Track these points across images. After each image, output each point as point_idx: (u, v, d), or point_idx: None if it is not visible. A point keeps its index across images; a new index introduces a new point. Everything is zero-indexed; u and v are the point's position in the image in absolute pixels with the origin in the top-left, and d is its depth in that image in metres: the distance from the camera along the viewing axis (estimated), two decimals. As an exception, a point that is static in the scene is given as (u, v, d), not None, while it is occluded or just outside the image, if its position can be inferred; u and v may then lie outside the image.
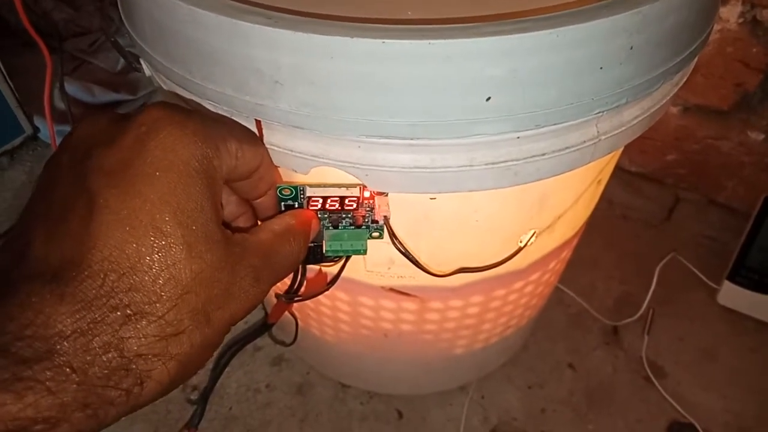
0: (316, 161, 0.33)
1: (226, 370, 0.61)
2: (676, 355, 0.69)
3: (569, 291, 0.74)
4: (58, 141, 0.66)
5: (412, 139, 0.31)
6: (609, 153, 0.36)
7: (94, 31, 1.12)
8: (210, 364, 0.65)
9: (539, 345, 0.70)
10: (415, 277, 0.44)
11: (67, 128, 0.87)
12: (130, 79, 1.03)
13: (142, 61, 0.41)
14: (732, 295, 0.72)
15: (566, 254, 0.54)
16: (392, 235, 0.36)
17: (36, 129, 0.93)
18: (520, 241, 0.42)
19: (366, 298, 0.48)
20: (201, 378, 0.65)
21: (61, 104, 0.92)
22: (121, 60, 1.04)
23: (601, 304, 0.74)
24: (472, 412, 0.63)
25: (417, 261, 0.38)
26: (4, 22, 1.06)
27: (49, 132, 0.62)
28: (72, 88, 0.94)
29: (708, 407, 0.64)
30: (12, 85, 0.87)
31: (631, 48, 0.30)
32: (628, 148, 0.42)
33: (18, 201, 0.87)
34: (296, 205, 0.37)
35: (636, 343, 0.70)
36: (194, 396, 0.63)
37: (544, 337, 0.70)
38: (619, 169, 0.83)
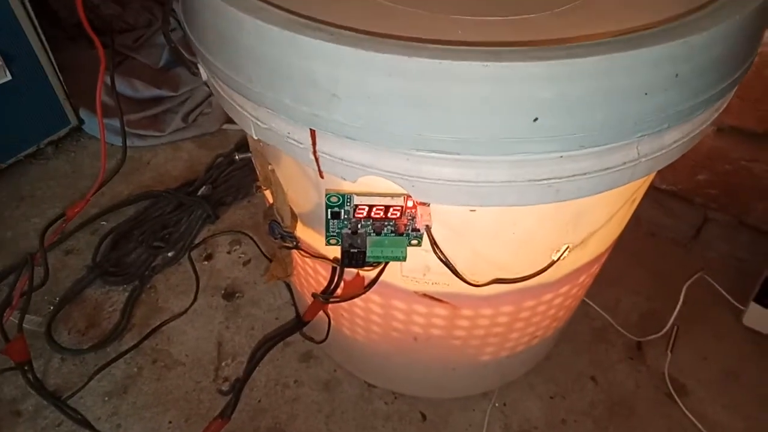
0: (365, 171, 0.35)
1: (256, 363, 0.63)
2: (699, 374, 0.69)
3: (594, 305, 0.75)
4: (106, 134, 0.69)
5: (459, 154, 0.32)
6: (648, 174, 0.37)
7: (138, 28, 1.16)
8: (245, 357, 0.68)
9: (563, 357, 0.70)
10: (449, 285, 0.46)
11: (114, 122, 0.91)
12: (172, 75, 1.06)
13: (199, 66, 0.44)
14: (758, 316, 0.72)
15: (596, 269, 0.55)
16: (433, 244, 0.38)
17: (81, 121, 0.97)
18: (554, 255, 0.44)
19: (399, 302, 0.49)
20: (233, 370, 0.67)
21: (105, 98, 0.96)
22: (164, 56, 1.07)
23: (626, 320, 0.74)
24: (493, 419, 0.64)
25: (455, 269, 0.39)
26: (54, 16, 1.10)
27: (99, 124, 0.64)
28: (116, 82, 0.97)
29: (729, 426, 0.64)
30: (61, 78, 0.90)
31: (677, 75, 0.31)
32: (659, 169, 0.43)
33: (61, 189, 0.91)
34: (343, 212, 0.39)
35: (659, 360, 0.70)
36: (225, 387, 0.66)
37: (568, 350, 0.71)
38: (649, 187, 0.83)
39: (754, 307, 0.72)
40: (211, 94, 1.03)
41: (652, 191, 0.83)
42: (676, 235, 0.85)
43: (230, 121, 1.03)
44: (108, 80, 0.74)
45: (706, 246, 0.83)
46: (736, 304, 0.74)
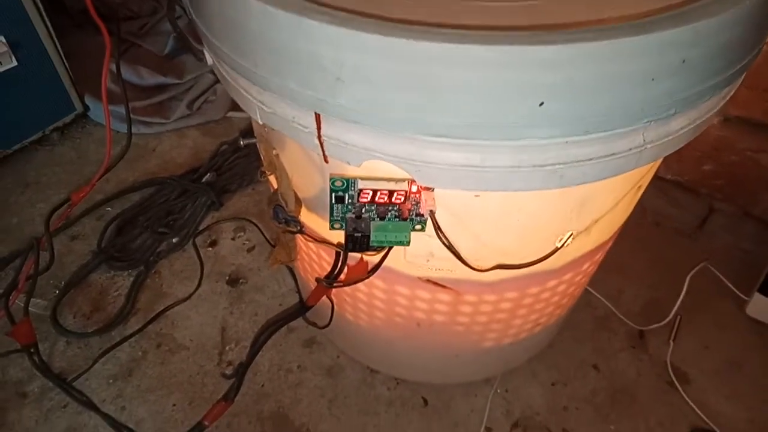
0: (370, 155, 0.35)
1: (260, 348, 0.64)
2: (701, 363, 0.69)
3: (597, 294, 0.75)
4: (111, 121, 0.69)
5: (465, 138, 0.32)
6: (653, 161, 0.37)
7: (143, 16, 1.15)
8: (248, 342, 0.68)
9: (565, 344, 0.71)
10: (452, 270, 0.46)
11: (120, 109, 0.90)
12: (177, 62, 1.06)
13: (205, 51, 0.44)
14: (762, 307, 0.72)
15: (599, 257, 0.55)
16: (437, 228, 0.38)
17: (86, 107, 0.97)
18: (558, 242, 0.44)
19: (402, 287, 0.50)
20: (236, 354, 0.68)
21: (111, 85, 0.96)
22: (169, 44, 1.07)
23: (629, 309, 0.74)
24: (495, 405, 0.65)
25: (459, 254, 0.39)
26: (60, 3, 1.10)
27: (104, 111, 0.65)
28: (121, 70, 0.97)
29: (731, 416, 0.64)
30: (67, 65, 0.90)
31: (684, 61, 0.31)
32: (665, 156, 0.43)
33: (66, 176, 0.91)
34: (347, 197, 0.39)
35: (661, 349, 0.70)
36: (229, 371, 0.66)
37: (571, 337, 0.71)
38: (654, 176, 0.83)
39: (758, 298, 0.72)
40: (216, 82, 1.03)
41: (658, 181, 0.83)
42: (681, 225, 0.84)
43: (235, 108, 1.03)
44: (113, 67, 0.74)
45: (711, 236, 0.83)
46: (740, 294, 0.74)
